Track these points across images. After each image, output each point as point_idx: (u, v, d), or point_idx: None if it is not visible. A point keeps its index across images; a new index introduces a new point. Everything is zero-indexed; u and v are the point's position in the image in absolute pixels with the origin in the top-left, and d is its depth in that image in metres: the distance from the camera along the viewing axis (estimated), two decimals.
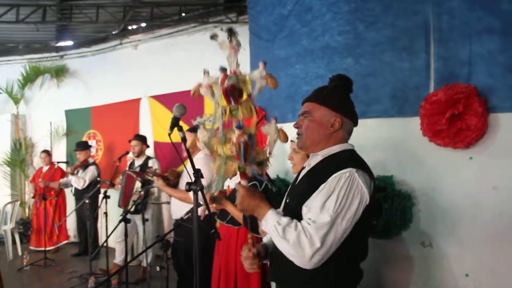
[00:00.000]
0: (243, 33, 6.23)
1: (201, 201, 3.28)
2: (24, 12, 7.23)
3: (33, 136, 9.05)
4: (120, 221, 4.23)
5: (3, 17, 7.21)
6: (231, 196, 3.31)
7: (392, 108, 3.43)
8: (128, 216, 4.63)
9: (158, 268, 3.17)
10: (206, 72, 1.91)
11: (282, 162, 3.85)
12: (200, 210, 3.57)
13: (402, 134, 3.39)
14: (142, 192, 5.26)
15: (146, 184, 5.23)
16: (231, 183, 3.42)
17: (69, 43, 8.84)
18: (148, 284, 4.84)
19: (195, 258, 2.31)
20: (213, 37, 1.88)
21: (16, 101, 8.98)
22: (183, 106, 2.16)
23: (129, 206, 5.71)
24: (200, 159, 3.96)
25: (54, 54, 9.15)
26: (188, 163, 4.20)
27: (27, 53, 9.33)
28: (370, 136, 3.32)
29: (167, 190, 4.11)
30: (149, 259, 5.86)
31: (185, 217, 3.25)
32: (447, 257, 3.14)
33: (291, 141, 2.84)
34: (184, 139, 2.28)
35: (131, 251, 6.52)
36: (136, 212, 5.45)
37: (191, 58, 7.15)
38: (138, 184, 5.75)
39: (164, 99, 7.27)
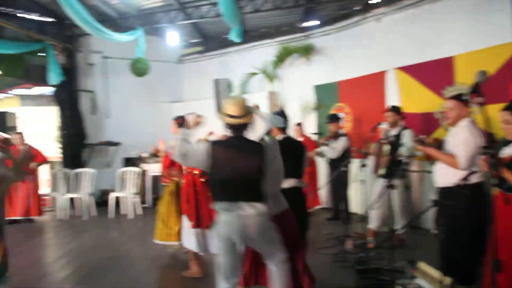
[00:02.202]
0: None
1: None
2: None
3: (287, 110, 9.98)
4: (386, 187, 4.46)
5: (263, 6, 8.17)
6: (510, 163, 3.25)
7: None
8: (385, 183, 4.86)
9: (436, 231, 3.32)
10: None
11: None
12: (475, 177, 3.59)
13: None
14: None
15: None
16: (510, 150, 3.34)
17: (315, 23, 9.42)
18: (408, 251, 5.05)
19: (487, 224, 2.38)
20: None
21: (271, 80, 10.07)
22: (485, 73, 2.24)
23: (380, 170, 5.97)
24: (465, 127, 3.94)
25: (300, 34, 9.90)
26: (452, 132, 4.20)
27: (278, 36, 10.34)
28: None
29: (434, 153, 4.16)
30: (400, 226, 6.06)
31: (461, 183, 3.30)
32: None
33: None
34: (483, 103, 2.37)
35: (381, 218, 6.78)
36: (390, 176, 5.61)
37: (436, 27, 6.99)
38: (386, 147, 5.95)
39: (412, 70, 7.25)
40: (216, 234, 3.39)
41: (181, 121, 5.78)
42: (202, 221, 5.05)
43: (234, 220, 3.24)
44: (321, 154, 7.93)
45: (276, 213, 3.55)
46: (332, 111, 8.72)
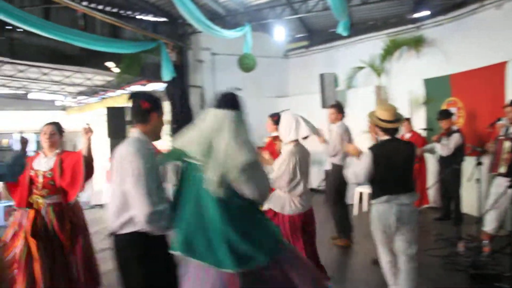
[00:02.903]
0: None
1: None
2: None
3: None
4: (508, 187, 4.16)
5: None
6: None
7: None
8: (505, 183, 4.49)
9: None
10: None
11: None
12: None
13: None
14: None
15: None
16: None
17: (426, 13, 9.00)
18: None
19: None
20: None
21: (378, 73, 9.79)
22: None
23: (500, 169, 5.55)
24: None
25: (410, 26, 9.54)
26: None
27: (385, 28, 10.05)
28: None
29: None
30: None
31: None
32: None
33: None
34: None
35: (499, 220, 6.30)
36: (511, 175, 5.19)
37: None
38: (507, 144, 5.51)
39: None
40: (374, 228, 3.89)
41: (276, 119, 5.84)
42: None
43: (391, 208, 3.73)
44: (431, 151, 7.56)
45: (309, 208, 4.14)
46: (443, 106, 8.27)
